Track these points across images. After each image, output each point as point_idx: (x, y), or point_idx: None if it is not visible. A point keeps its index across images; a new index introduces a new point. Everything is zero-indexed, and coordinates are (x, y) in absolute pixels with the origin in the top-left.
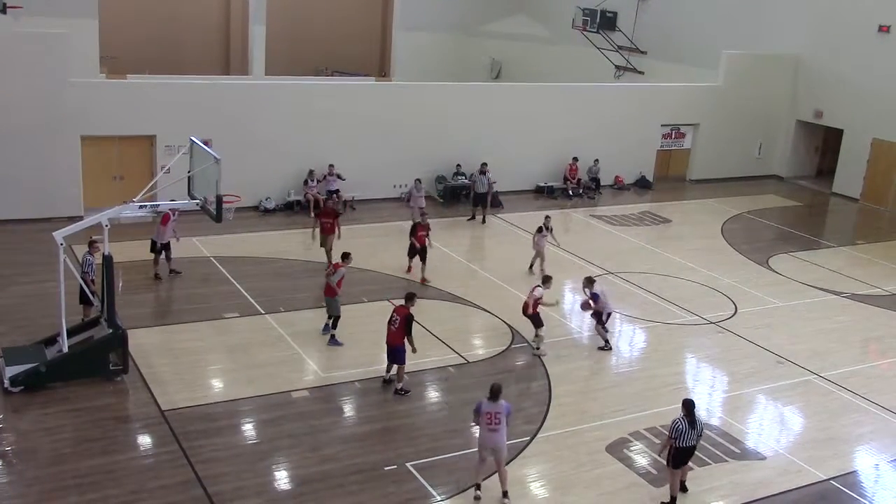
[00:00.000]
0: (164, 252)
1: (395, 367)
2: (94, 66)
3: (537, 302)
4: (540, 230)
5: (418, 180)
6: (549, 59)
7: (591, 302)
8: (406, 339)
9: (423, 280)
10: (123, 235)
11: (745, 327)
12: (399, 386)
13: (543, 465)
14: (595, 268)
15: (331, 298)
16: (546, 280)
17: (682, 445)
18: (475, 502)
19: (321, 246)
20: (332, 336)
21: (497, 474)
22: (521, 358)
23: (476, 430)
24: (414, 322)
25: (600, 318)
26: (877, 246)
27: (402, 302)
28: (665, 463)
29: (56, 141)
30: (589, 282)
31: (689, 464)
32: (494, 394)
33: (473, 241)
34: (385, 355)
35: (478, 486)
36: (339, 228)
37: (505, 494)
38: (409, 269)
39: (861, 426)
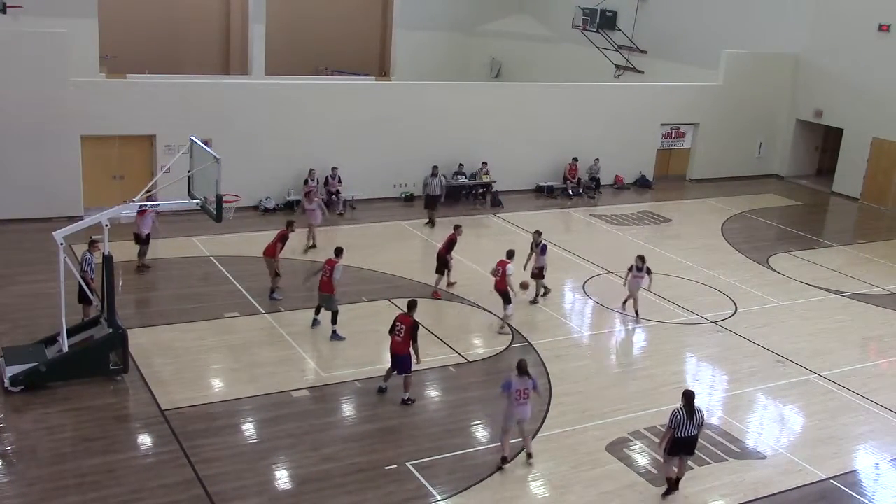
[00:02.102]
0: (148, 242)
1: (393, 375)
2: (94, 66)
3: (506, 277)
4: (631, 269)
5: (309, 194)
6: (549, 58)
7: (540, 254)
8: (412, 348)
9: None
10: (123, 235)
11: (745, 326)
12: (406, 396)
13: (543, 465)
14: (595, 267)
15: (330, 295)
16: (511, 254)
17: (679, 435)
18: (501, 471)
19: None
20: (334, 332)
21: (522, 441)
22: (521, 357)
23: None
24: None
25: (541, 273)
26: (877, 245)
27: (405, 311)
28: (662, 451)
29: (56, 141)
30: (538, 234)
31: (689, 463)
32: (523, 370)
33: (473, 240)
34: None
35: (505, 459)
36: (279, 253)
37: (530, 456)
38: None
39: (861, 425)
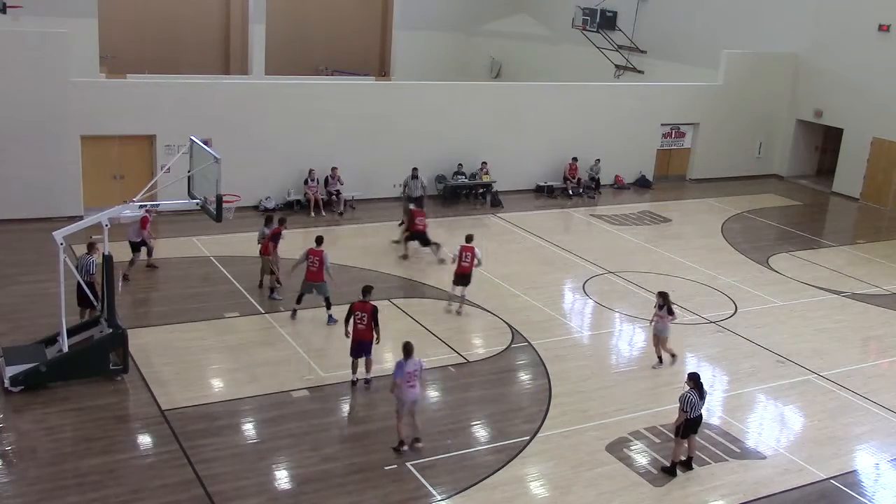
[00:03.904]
0: (140, 250)
1: (360, 364)
2: (94, 66)
3: (475, 260)
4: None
5: (271, 218)
6: (549, 58)
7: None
8: (375, 331)
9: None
10: (123, 235)
11: (745, 326)
12: (370, 376)
13: (543, 465)
14: (595, 267)
15: (322, 283)
16: (471, 238)
17: (692, 416)
18: (400, 455)
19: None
20: (330, 316)
21: (412, 426)
22: (521, 357)
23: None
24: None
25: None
26: (877, 245)
27: (362, 298)
28: (675, 433)
29: (56, 141)
30: (415, 202)
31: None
32: (409, 352)
33: (474, 240)
34: (348, 359)
35: (402, 443)
36: (273, 251)
37: (418, 440)
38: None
39: (861, 425)
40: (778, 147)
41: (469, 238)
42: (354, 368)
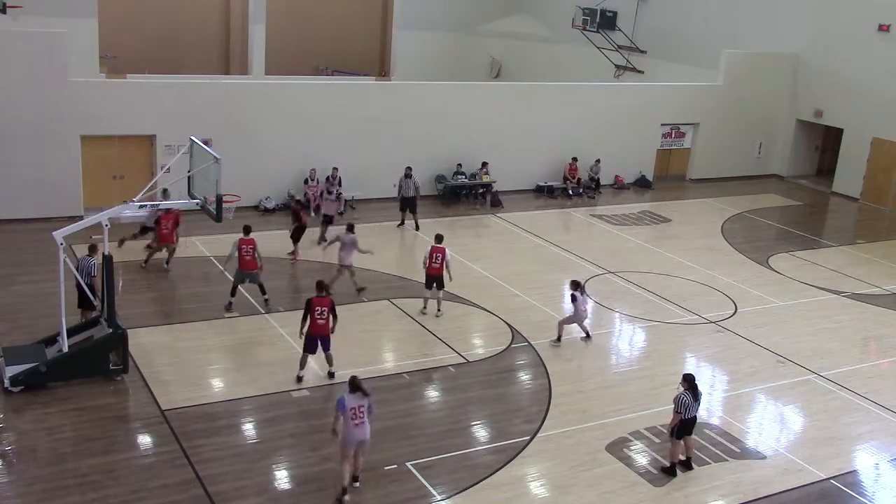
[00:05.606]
0: (147, 233)
1: (309, 358)
2: (93, 66)
3: (446, 262)
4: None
5: (351, 228)
6: (549, 58)
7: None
8: (332, 324)
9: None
10: (123, 235)
11: (744, 326)
12: (332, 369)
13: (543, 465)
14: (595, 267)
15: (256, 272)
16: (441, 239)
17: (686, 417)
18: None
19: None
20: (267, 300)
21: (355, 463)
22: (521, 357)
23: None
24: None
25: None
26: (877, 245)
27: (318, 294)
28: (669, 434)
29: (56, 141)
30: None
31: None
32: (355, 386)
33: (473, 240)
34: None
35: (345, 491)
36: (177, 237)
37: (356, 479)
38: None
39: (861, 425)
40: (778, 147)
41: (439, 238)
42: (304, 364)
